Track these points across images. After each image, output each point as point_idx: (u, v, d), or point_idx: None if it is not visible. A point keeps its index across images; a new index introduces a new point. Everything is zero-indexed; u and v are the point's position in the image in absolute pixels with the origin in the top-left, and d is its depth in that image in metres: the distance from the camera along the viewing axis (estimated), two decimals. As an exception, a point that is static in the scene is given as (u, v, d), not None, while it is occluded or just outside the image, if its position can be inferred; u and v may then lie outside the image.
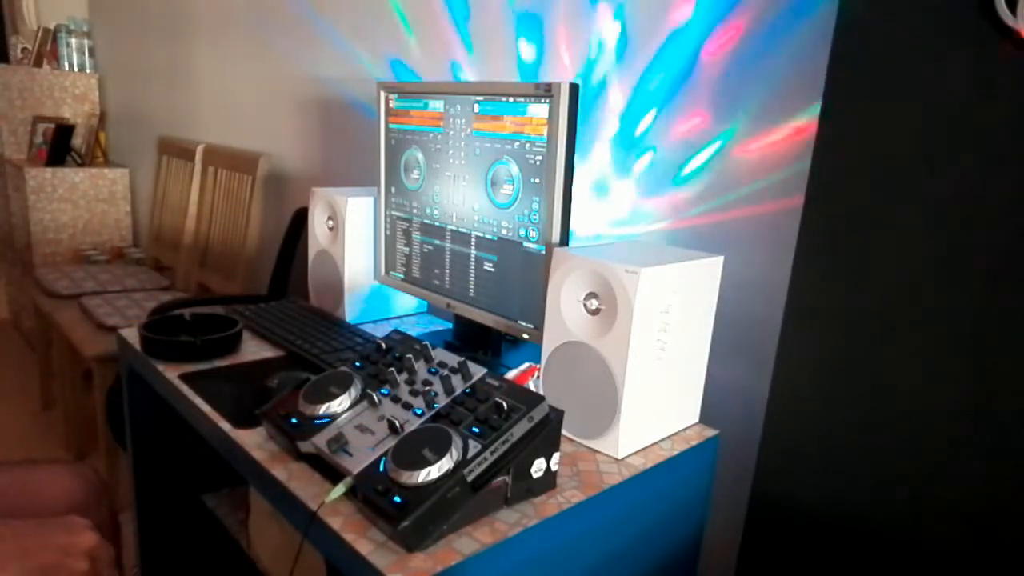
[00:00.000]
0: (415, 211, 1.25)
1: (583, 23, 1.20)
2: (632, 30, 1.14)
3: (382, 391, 0.84)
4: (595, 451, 0.90)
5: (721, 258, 0.95)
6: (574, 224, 1.23)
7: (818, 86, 0.90)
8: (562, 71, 1.25)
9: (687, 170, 1.10)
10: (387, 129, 1.27)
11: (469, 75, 1.43)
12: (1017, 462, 0.71)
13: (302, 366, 1.10)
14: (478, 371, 0.82)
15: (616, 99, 1.18)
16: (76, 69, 3.34)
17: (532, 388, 0.94)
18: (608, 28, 1.17)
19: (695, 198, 1.10)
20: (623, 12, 1.14)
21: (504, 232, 1.08)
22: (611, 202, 1.21)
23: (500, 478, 0.72)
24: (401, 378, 0.85)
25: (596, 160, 1.22)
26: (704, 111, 1.06)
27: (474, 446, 0.71)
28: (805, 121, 0.96)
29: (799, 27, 0.95)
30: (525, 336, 1.06)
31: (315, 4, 1.87)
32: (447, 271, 1.21)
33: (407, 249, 1.29)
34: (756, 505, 0.93)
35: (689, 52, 1.07)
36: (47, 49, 3.27)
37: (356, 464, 0.74)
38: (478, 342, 1.21)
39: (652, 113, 1.13)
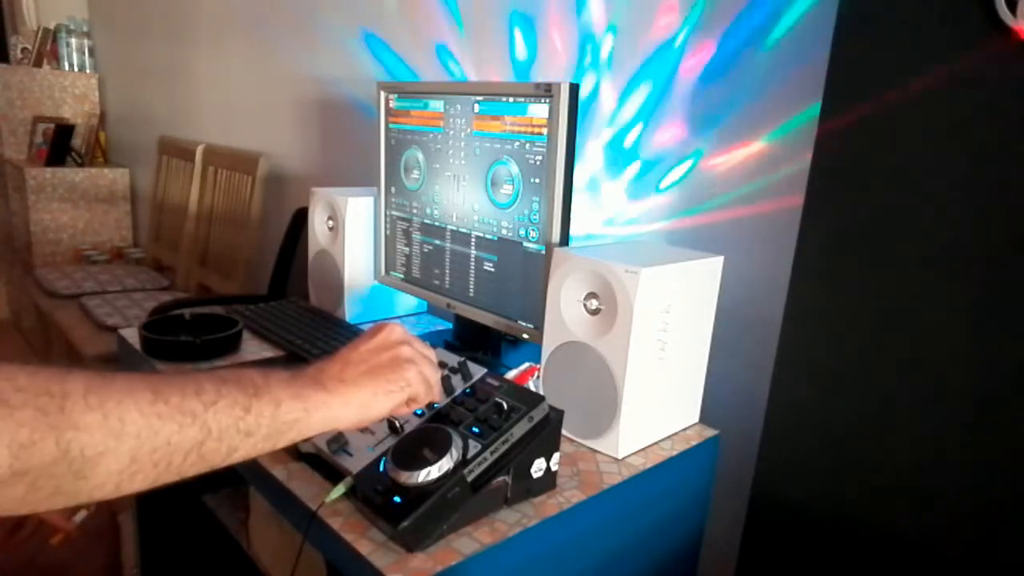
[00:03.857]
0: (415, 211, 1.25)
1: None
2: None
3: (382, 391, 0.84)
4: (595, 451, 0.90)
5: (721, 258, 0.95)
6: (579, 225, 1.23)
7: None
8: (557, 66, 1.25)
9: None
10: (387, 129, 1.27)
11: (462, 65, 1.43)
12: (1018, 462, 0.71)
13: (302, 366, 1.09)
14: (478, 371, 0.82)
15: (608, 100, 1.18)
16: (76, 69, 3.34)
17: (532, 388, 0.94)
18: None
19: (696, 198, 1.10)
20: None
21: (504, 232, 1.08)
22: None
23: (500, 478, 0.72)
24: (401, 378, 0.85)
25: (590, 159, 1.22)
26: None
27: (474, 446, 0.71)
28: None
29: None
30: (525, 336, 1.06)
31: (315, 4, 1.87)
32: (447, 271, 1.21)
33: (407, 249, 1.29)
34: (756, 505, 0.93)
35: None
36: (47, 49, 3.27)
37: (356, 464, 0.74)
38: (478, 342, 1.21)
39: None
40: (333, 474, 0.78)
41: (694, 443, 0.95)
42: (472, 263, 1.15)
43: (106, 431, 0.44)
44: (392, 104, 1.25)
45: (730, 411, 1.06)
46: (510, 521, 0.73)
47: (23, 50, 3.30)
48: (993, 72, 0.68)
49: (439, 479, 0.68)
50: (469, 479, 0.69)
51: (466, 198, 1.13)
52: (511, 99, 1.02)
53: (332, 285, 1.36)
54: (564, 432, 0.92)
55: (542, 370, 0.94)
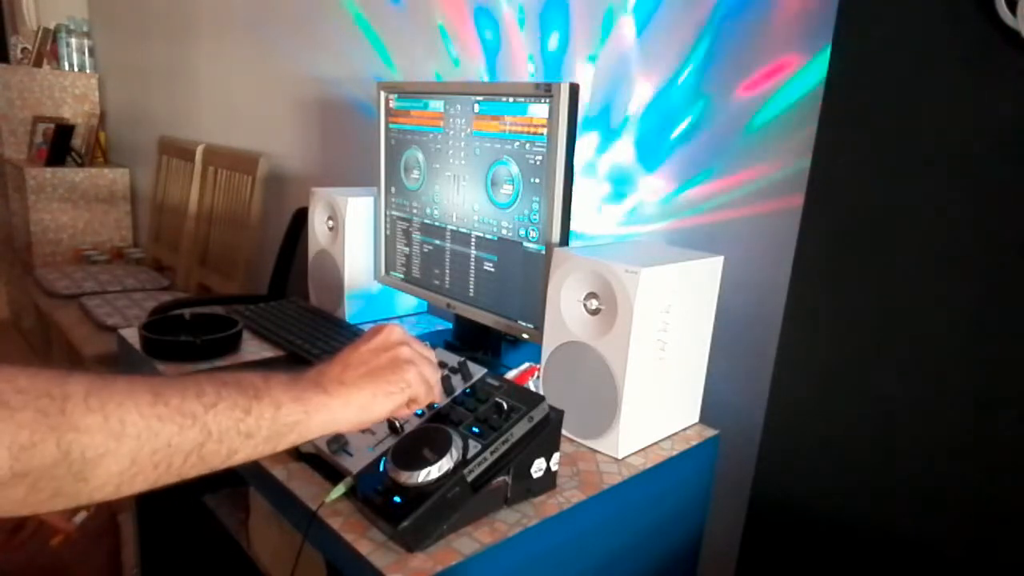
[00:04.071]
0: (415, 211, 1.25)
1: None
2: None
3: (382, 391, 0.84)
4: (595, 451, 0.90)
5: (721, 258, 0.95)
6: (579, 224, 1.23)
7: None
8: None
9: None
10: (387, 129, 1.27)
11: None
12: (1018, 462, 0.71)
13: (302, 366, 1.09)
14: (478, 371, 0.82)
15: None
16: (76, 69, 3.34)
17: (532, 388, 0.94)
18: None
19: (695, 198, 1.10)
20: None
21: (504, 232, 1.08)
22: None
23: (500, 478, 0.72)
24: (401, 378, 0.85)
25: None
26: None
27: (474, 446, 0.71)
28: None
29: None
30: (525, 336, 1.06)
31: (315, 4, 1.87)
32: (447, 271, 1.21)
33: (407, 249, 1.29)
34: (756, 505, 0.93)
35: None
36: (47, 49, 3.27)
37: (356, 464, 0.74)
38: (478, 342, 1.21)
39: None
40: (333, 474, 0.78)
41: (694, 443, 0.95)
42: (472, 263, 1.15)
43: (106, 433, 0.44)
44: (392, 104, 1.25)
45: (730, 411, 1.06)
46: (510, 521, 0.73)
47: (23, 50, 3.30)
48: (993, 72, 0.68)
49: (439, 479, 0.68)
50: (469, 479, 0.69)
51: (466, 198, 1.13)
52: (511, 99, 1.02)
53: (332, 285, 1.36)
54: (564, 432, 0.92)
55: (542, 370, 0.94)
